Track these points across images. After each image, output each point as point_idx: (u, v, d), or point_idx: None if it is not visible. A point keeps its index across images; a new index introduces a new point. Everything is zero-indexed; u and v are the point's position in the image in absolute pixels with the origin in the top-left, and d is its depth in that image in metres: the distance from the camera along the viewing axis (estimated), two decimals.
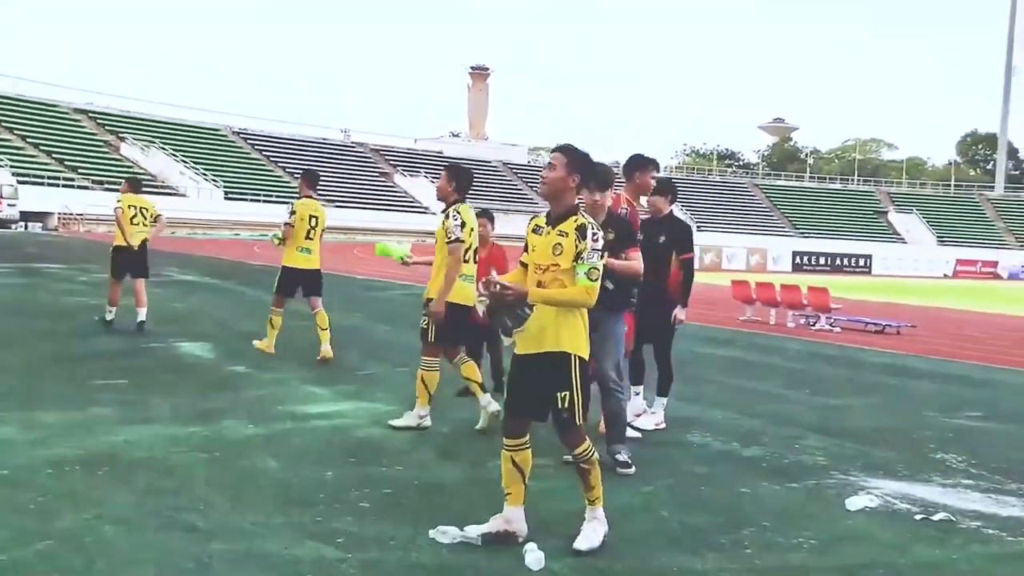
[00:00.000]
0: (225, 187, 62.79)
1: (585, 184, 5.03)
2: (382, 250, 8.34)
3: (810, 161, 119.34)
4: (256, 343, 10.80)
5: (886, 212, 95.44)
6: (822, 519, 5.63)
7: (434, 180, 72.72)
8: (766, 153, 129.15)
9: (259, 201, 62.31)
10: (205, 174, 63.62)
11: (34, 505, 5.11)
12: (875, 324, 17.73)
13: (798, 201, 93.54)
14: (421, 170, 76.95)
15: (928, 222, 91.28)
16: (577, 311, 4.83)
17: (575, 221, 4.79)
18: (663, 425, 7.88)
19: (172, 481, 5.73)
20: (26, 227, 45.50)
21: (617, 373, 6.50)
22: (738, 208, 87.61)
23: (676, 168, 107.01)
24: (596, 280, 4.76)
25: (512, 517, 4.93)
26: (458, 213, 7.34)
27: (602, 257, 4.80)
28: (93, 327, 12.20)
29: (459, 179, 7.45)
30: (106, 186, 51.18)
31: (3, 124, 58.38)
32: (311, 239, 10.53)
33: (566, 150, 4.90)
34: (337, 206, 65.85)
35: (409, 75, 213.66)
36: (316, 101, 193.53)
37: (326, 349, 10.28)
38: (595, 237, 4.75)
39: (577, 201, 4.94)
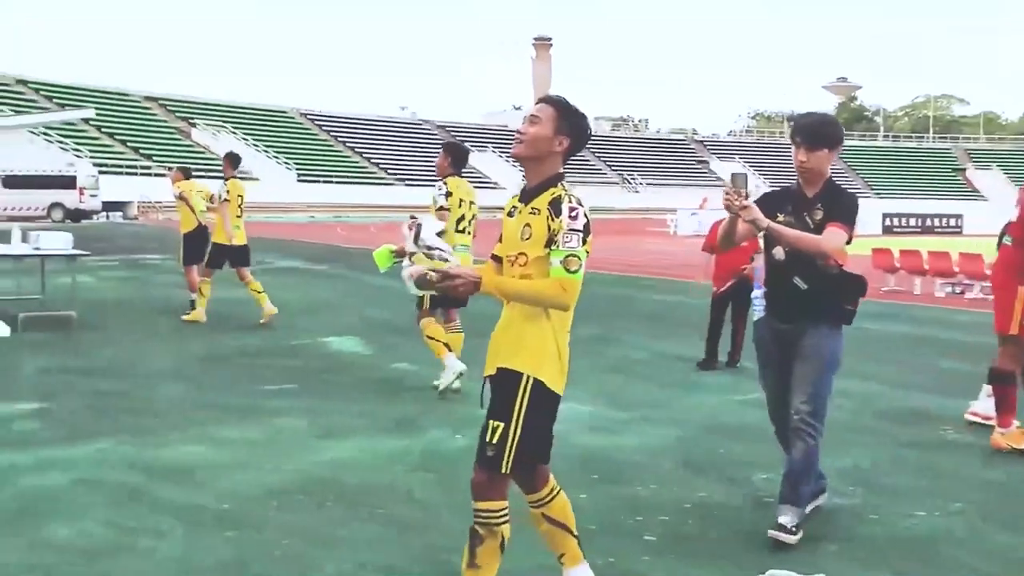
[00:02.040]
0: (297, 169, 62.64)
1: (574, 149, 3.62)
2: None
3: (878, 120, 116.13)
4: (185, 317, 11.67)
5: (964, 169, 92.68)
6: None
7: (502, 155, 72.91)
8: (832, 113, 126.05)
9: (332, 183, 62.15)
10: (277, 157, 63.50)
11: (279, 551, 4.39)
12: None
13: (873, 161, 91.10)
14: (488, 145, 76.17)
15: (1009, 177, 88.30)
16: (550, 319, 3.53)
17: (551, 194, 3.51)
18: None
19: (414, 511, 5.00)
20: (107, 217, 45.59)
21: (816, 408, 4.68)
22: None
23: (745, 132, 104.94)
24: (576, 272, 3.43)
25: None
26: (444, 184, 7.65)
27: (584, 241, 3.46)
28: (225, 322, 11.60)
29: (455, 155, 7.87)
30: None
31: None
32: (240, 216, 11.57)
33: (556, 102, 3.61)
34: (407, 184, 65.50)
35: (471, 50, 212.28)
36: (379, 80, 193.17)
37: (269, 307, 11.46)
38: (574, 213, 3.45)
39: (562, 171, 3.63)
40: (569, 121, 3.58)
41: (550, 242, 3.45)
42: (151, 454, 5.94)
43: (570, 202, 3.46)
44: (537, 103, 3.63)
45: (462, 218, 7.68)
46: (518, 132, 3.59)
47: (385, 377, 8.57)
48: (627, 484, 5.52)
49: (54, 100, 59.37)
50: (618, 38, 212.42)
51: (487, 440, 3.53)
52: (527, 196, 3.59)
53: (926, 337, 12.06)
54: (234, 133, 64.38)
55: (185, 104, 68.00)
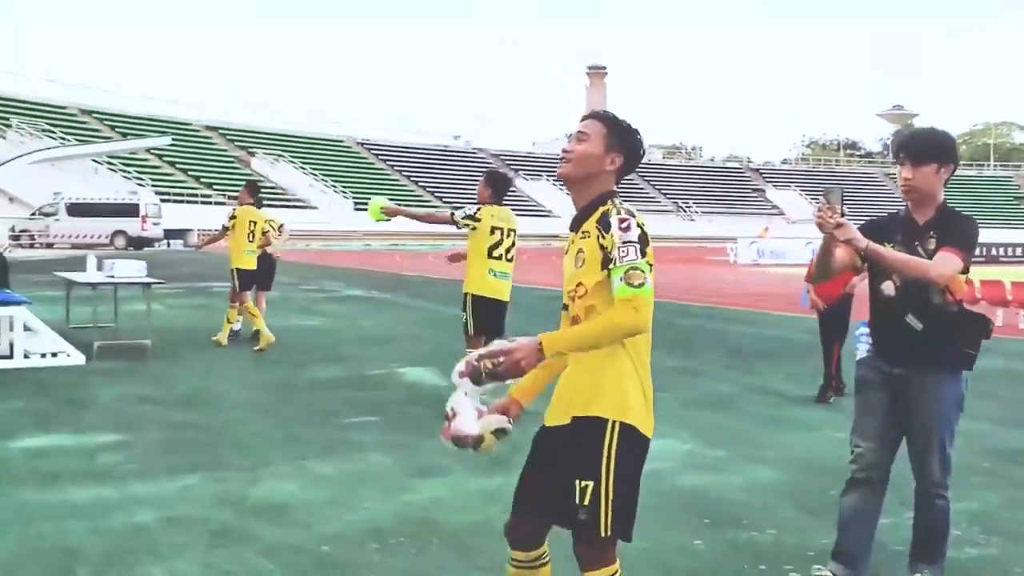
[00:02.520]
0: (354, 198, 63.09)
1: (627, 168, 3.23)
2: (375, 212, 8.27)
3: None
4: (256, 348, 11.41)
5: None
6: None
7: (556, 183, 72.81)
8: (888, 142, 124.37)
9: None
10: (334, 186, 64.02)
11: None
12: None
13: None
14: (543, 173, 76.20)
15: None
16: (627, 350, 3.06)
17: (600, 212, 3.09)
18: None
19: None
20: (168, 244, 46.13)
21: (945, 468, 4.19)
22: (873, 199, 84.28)
23: (800, 159, 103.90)
24: (642, 287, 2.95)
25: None
26: (479, 209, 7.83)
27: (643, 253, 2.99)
28: (295, 352, 11.46)
29: (496, 185, 8.04)
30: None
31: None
32: (252, 242, 11.88)
33: (605, 117, 3.23)
34: None
35: (522, 78, 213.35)
36: (429, 108, 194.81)
37: (267, 334, 11.55)
38: (624, 224, 3.01)
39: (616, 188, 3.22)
40: (621, 136, 3.19)
41: (606, 261, 3.01)
42: (240, 490, 5.74)
43: (619, 214, 3.04)
44: (583, 119, 3.25)
45: (497, 244, 7.90)
46: (564, 151, 3.22)
47: None
48: (742, 529, 5.21)
49: (116, 129, 60.48)
50: (670, 65, 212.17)
51: (579, 502, 3.01)
52: (576, 223, 3.19)
53: (1018, 371, 11.57)
54: (292, 162, 65.12)
55: (245, 133, 68.93)
